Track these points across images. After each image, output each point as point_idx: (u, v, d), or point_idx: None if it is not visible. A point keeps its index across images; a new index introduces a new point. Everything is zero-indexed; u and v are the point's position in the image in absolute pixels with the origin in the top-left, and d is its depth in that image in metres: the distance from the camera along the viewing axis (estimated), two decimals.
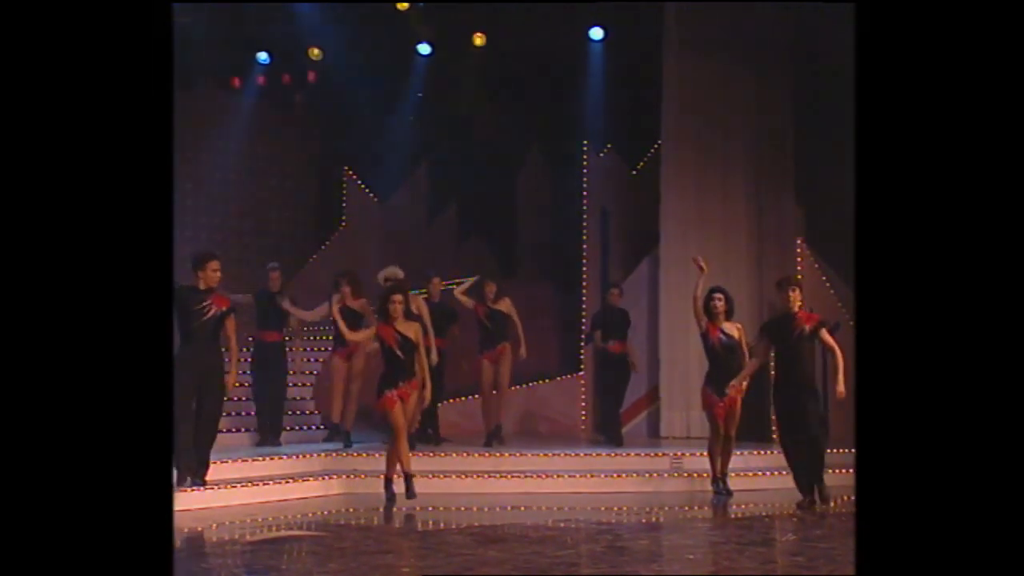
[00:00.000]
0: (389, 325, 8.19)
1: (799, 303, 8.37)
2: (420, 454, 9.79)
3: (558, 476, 9.40)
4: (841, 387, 8.09)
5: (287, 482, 8.79)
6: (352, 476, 9.20)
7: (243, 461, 9.00)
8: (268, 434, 10.19)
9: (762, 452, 10.09)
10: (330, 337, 11.23)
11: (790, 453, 8.27)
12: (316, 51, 13.81)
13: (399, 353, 8.14)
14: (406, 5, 12.72)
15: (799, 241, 11.84)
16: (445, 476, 9.29)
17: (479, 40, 13.73)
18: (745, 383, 8.67)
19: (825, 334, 8.31)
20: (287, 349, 10.73)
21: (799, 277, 8.82)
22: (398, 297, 8.32)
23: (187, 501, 7.82)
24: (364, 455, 9.60)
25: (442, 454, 9.87)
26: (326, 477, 9.09)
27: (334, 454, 9.62)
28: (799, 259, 11.71)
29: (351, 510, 8.24)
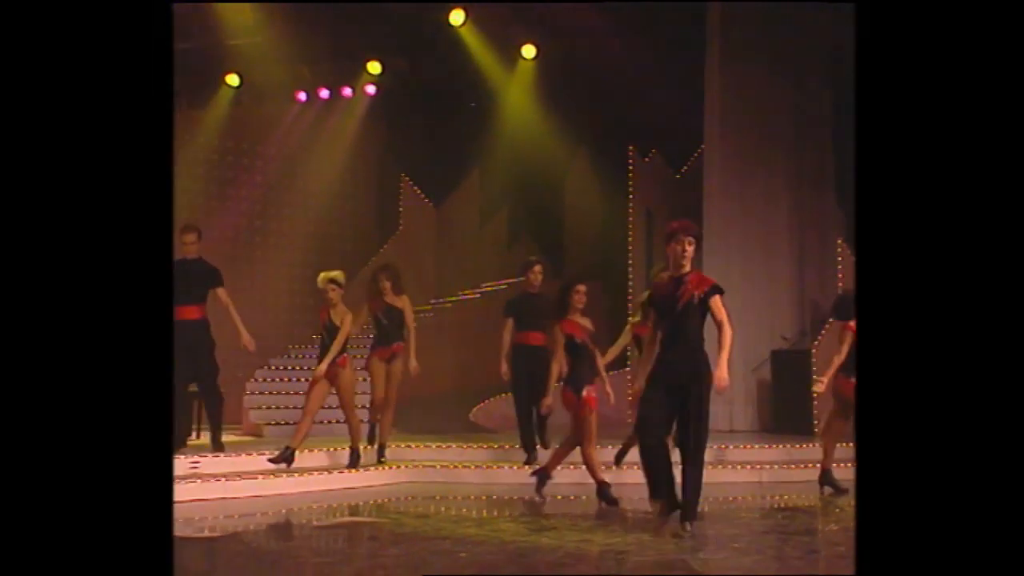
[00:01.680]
0: (571, 319, 7.43)
1: (689, 262, 6.02)
2: (469, 446, 9.79)
3: (606, 467, 9.30)
4: (723, 374, 5.87)
5: (354, 471, 8.80)
6: (415, 466, 9.22)
7: (317, 451, 9.07)
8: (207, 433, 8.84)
9: (805, 445, 9.94)
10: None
11: (655, 463, 6.11)
12: (376, 65, 13.89)
13: (589, 348, 7.46)
14: (460, 18, 12.73)
15: (839, 241, 11.66)
16: (498, 467, 9.26)
17: (529, 51, 13.72)
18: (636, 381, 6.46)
19: (717, 303, 6.08)
20: (209, 327, 8.67)
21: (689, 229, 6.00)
22: (582, 287, 7.56)
23: (264, 487, 8.01)
24: (425, 446, 9.60)
25: (494, 445, 9.82)
26: (392, 467, 9.10)
27: (394, 445, 9.65)
28: (840, 258, 11.54)
29: (410, 498, 8.24)
